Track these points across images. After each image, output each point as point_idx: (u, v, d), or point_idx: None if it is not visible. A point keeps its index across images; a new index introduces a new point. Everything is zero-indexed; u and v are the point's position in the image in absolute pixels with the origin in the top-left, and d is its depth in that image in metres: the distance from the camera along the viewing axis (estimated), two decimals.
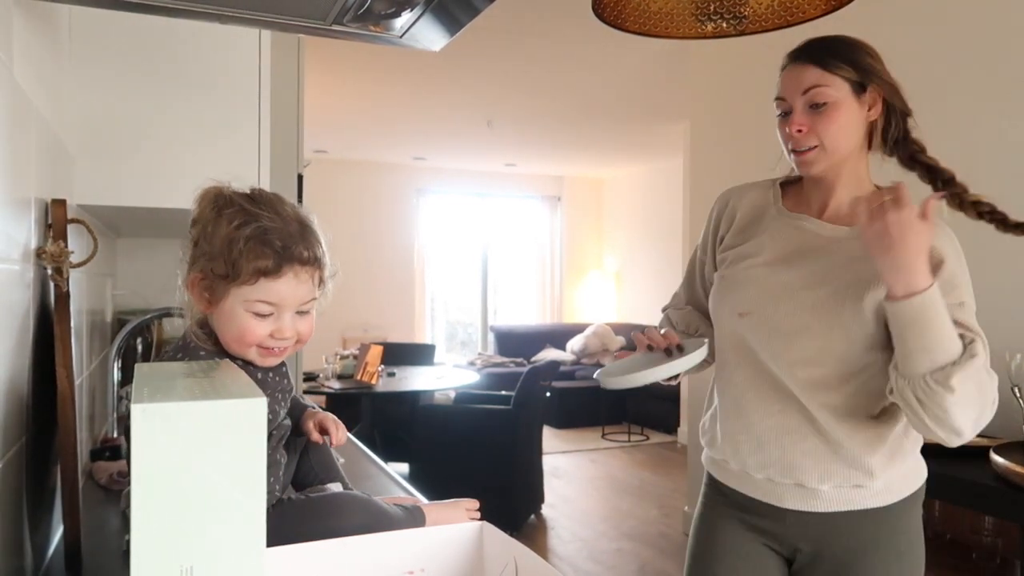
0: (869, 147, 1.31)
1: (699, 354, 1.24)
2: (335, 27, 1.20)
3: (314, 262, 1.04)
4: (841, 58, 1.25)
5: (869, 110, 1.28)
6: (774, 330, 1.27)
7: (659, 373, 1.22)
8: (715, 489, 1.42)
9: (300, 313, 1.05)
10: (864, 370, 1.24)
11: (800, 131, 1.26)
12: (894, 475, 1.27)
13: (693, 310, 1.52)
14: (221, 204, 1.02)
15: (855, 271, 1.23)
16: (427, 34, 1.24)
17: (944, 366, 1.11)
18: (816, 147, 1.26)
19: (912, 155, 1.31)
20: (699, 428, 1.47)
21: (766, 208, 1.39)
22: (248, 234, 0.99)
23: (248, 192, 1.04)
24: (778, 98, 1.30)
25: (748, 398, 1.32)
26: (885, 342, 1.21)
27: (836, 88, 1.24)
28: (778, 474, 1.29)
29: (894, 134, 1.30)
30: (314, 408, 1.25)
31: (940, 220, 1.21)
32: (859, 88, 1.26)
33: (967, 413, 1.13)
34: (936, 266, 1.17)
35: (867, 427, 1.25)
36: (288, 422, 1.15)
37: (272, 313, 1.01)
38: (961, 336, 1.15)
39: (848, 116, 1.25)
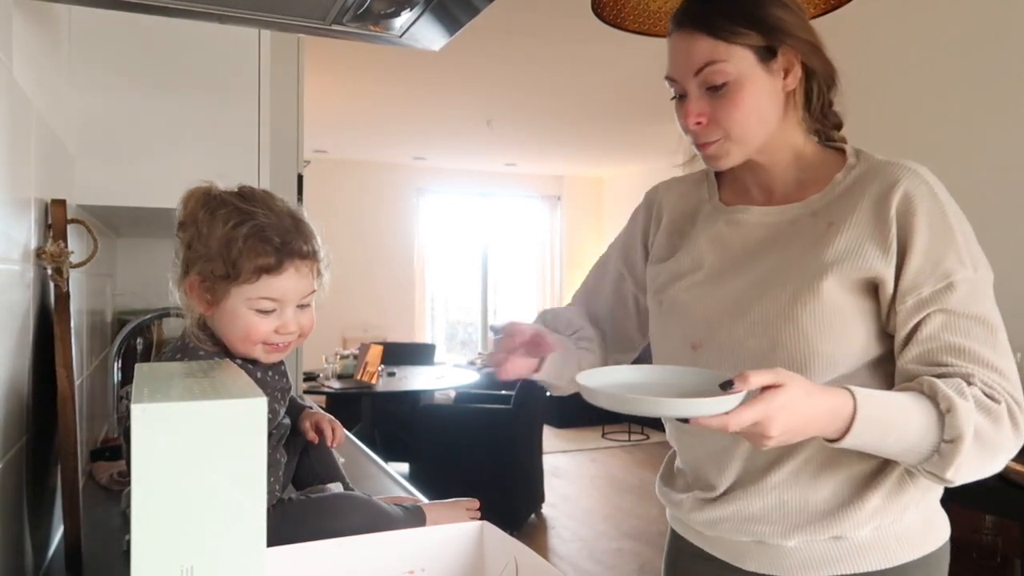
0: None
1: (728, 401, 0.79)
2: (335, 27, 1.20)
3: (312, 255, 1.05)
4: (739, 19, 0.95)
5: (785, 77, 0.98)
6: (737, 359, 0.98)
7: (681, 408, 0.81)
8: (675, 541, 1.16)
9: (301, 307, 1.05)
10: (857, 374, 0.96)
11: (699, 123, 0.98)
12: (890, 528, 0.97)
13: (580, 312, 1.21)
14: (214, 205, 1.02)
15: (818, 255, 0.96)
16: (426, 34, 1.24)
17: (930, 456, 0.88)
18: (721, 139, 0.99)
19: (827, 133, 1.06)
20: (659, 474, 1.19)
21: (699, 205, 1.12)
22: (246, 233, 0.99)
23: (237, 190, 1.04)
24: (668, 78, 1.01)
25: (698, 453, 1.07)
26: (879, 331, 0.96)
27: (736, 62, 0.95)
28: (731, 531, 1.02)
29: (816, 105, 1.02)
30: (311, 408, 1.25)
31: (912, 165, 0.96)
32: (767, 54, 0.96)
33: (985, 470, 0.90)
34: (903, 247, 0.92)
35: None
36: (287, 421, 1.15)
37: (275, 309, 1.02)
38: (935, 398, 0.87)
39: (756, 94, 0.96)
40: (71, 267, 1.14)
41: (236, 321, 1.01)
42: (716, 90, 0.96)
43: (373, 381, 4.48)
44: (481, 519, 0.99)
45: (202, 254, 1.00)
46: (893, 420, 0.87)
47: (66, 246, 1.14)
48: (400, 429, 4.76)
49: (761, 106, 0.97)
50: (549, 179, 9.00)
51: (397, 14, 1.16)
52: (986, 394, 0.89)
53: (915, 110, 2.65)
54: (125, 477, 1.46)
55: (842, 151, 1.04)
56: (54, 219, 1.17)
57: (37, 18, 1.18)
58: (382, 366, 4.70)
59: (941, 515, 1.04)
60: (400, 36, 1.25)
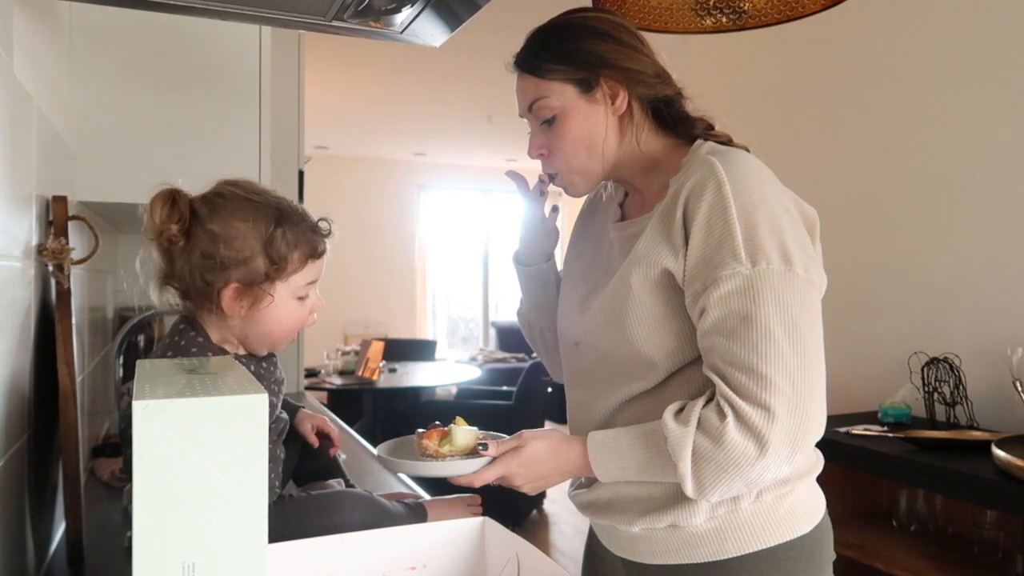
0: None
1: (470, 464, 0.98)
2: (335, 23, 1.20)
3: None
4: (552, 57, 1.02)
5: (613, 103, 1.02)
6: (600, 359, 1.04)
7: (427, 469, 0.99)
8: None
9: None
10: (687, 371, 0.97)
11: (541, 154, 1.05)
12: (726, 518, 0.96)
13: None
14: (232, 207, 0.98)
15: (630, 256, 0.99)
16: (427, 30, 1.24)
17: (682, 481, 0.91)
18: (563, 170, 1.05)
19: (703, 135, 1.05)
20: None
21: (609, 208, 1.15)
22: (286, 225, 0.99)
23: (222, 188, 1.01)
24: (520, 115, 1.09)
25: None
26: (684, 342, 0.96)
27: (557, 96, 1.01)
28: (593, 514, 1.07)
29: (640, 120, 1.03)
30: (303, 407, 1.25)
31: (715, 158, 0.94)
32: (586, 85, 1.01)
33: (738, 487, 0.89)
34: (687, 243, 0.92)
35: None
36: (285, 415, 1.15)
37: (308, 293, 1.04)
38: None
39: (581, 124, 1.01)
40: (72, 264, 1.14)
41: (282, 316, 1.01)
42: (549, 124, 1.03)
43: (374, 377, 4.49)
44: (483, 515, 0.99)
45: (236, 259, 0.96)
46: (625, 457, 0.94)
47: (67, 243, 1.14)
48: (401, 425, 4.76)
49: (588, 134, 1.02)
50: None
51: (398, 10, 1.16)
52: (718, 409, 0.88)
53: (916, 104, 2.64)
54: (126, 474, 1.46)
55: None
56: (55, 216, 1.17)
57: (38, 14, 1.18)
58: (383, 362, 4.70)
59: (800, 508, 0.98)
60: (401, 32, 1.25)
